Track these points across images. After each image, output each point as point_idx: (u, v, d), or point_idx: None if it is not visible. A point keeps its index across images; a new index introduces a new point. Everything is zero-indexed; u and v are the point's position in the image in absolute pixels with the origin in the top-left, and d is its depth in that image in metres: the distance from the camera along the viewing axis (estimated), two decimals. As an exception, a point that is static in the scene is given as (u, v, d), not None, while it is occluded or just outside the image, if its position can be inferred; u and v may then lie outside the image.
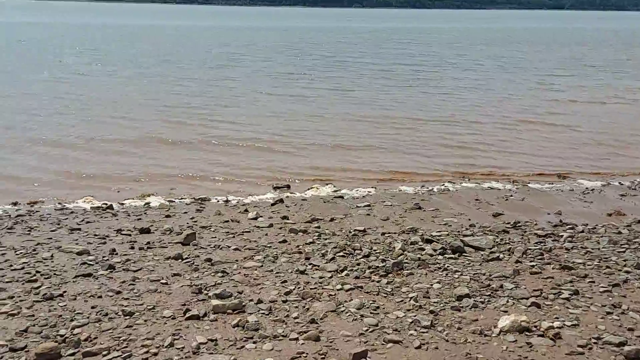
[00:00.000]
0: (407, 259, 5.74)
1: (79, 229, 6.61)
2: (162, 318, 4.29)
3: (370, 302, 4.67)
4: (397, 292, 4.92)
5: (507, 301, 4.75)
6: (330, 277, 5.21)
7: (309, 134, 12.57)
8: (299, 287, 4.95)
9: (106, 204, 7.75)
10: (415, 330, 4.19)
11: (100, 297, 4.66)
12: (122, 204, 7.89)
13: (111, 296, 4.68)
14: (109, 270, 5.24)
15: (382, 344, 3.96)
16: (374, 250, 6.02)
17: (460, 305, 4.64)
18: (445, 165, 10.67)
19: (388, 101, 17.08)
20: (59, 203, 7.84)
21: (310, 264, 5.54)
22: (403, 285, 5.07)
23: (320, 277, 5.20)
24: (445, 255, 5.91)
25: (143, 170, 9.68)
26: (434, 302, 4.70)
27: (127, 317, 4.29)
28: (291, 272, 5.35)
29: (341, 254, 5.86)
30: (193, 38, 29.30)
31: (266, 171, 9.96)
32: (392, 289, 4.97)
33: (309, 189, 8.98)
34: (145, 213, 7.46)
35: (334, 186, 9.22)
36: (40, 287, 4.83)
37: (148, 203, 7.92)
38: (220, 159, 10.51)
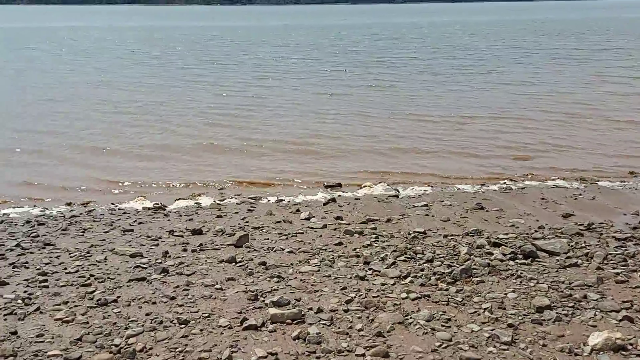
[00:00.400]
0: (475, 264, 5.30)
1: (132, 230, 6.52)
2: (219, 327, 4.06)
3: (440, 313, 4.28)
4: (468, 302, 4.51)
5: (595, 314, 4.25)
6: (394, 284, 4.85)
7: (354, 134, 12.15)
8: (361, 295, 4.61)
9: (158, 204, 7.66)
10: (495, 347, 3.78)
11: (154, 303, 4.49)
12: (174, 204, 7.79)
13: (165, 302, 4.50)
14: (162, 274, 5.08)
15: (459, 363, 3.58)
16: (438, 255, 5.61)
17: (542, 318, 4.19)
18: (504, 167, 10.04)
19: (432, 98, 16.43)
20: (112, 203, 7.82)
21: (370, 269, 5.20)
22: (474, 294, 4.65)
23: (383, 284, 4.85)
24: (517, 261, 5.44)
25: (192, 172, 9.57)
26: (512, 314, 4.26)
27: (183, 325, 4.08)
28: (350, 277, 5.02)
29: (402, 258, 5.49)
30: (233, 38, 29.38)
31: (314, 171, 9.65)
32: (462, 298, 4.56)
33: (361, 188, 8.63)
34: (196, 213, 7.31)
35: (387, 184, 8.83)
36: (94, 291, 4.71)
37: (199, 203, 7.78)
38: (267, 160, 10.29)
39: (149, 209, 7.54)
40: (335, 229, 6.55)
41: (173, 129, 12.46)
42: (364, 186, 8.66)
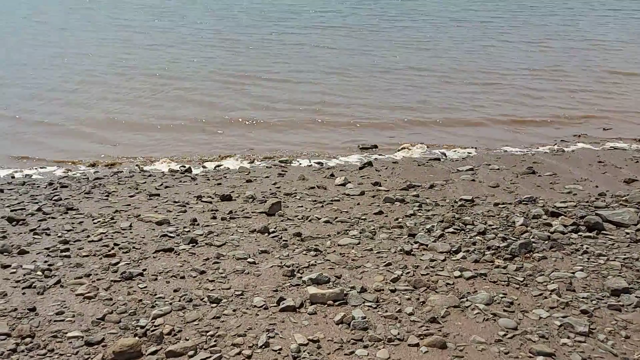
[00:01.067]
0: (533, 237, 4.76)
1: (158, 195, 6.15)
2: (253, 308, 3.67)
3: (501, 295, 3.79)
4: (531, 282, 3.99)
5: (682, 299, 3.70)
6: (444, 260, 4.36)
7: (379, 91, 11.41)
8: (408, 273, 4.15)
9: (184, 167, 7.27)
10: (569, 337, 3.28)
11: (182, 277, 4.11)
12: (203, 165, 7.39)
13: (194, 277, 4.12)
14: (191, 245, 4.70)
15: (530, 357, 3.10)
16: (490, 226, 5.08)
17: (619, 302, 3.66)
18: (550, 127, 9.28)
19: (463, 52, 15.36)
20: (137, 166, 7.46)
21: (416, 242, 4.71)
22: (536, 272, 4.13)
23: (432, 260, 4.37)
24: (580, 234, 4.87)
25: (216, 142, 9.11)
26: (583, 298, 3.74)
27: (214, 305, 3.70)
28: (394, 252, 4.55)
29: (450, 229, 4.98)
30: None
31: (346, 130, 9.08)
32: (523, 277, 4.05)
33: (399, 150, 8.06)
34: (225, 177, 6.90)
35: (427, 147, 8.23)
36: (118, 263, 4.36)
37: (227, 167, 7.35)
38: (293, 122, 9.72)
39: (175, 171, 7.15)
40: (374, 196, 6.06)
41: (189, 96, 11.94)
42: (402, 148, 8.08)
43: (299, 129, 9.10)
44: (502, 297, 3.75)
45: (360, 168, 7.19)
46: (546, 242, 4.68)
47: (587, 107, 10.19)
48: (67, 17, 22.13)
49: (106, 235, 4.94)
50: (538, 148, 8.03)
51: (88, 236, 4.92)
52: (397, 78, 12.27)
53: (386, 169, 7.18)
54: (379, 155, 7.87)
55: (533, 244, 4.58)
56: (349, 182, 6.56)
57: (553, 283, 3.95)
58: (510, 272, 4.13)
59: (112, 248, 4.66)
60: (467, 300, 3.71)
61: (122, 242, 4.76)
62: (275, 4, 25.66)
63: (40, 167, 7.34)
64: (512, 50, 15.61)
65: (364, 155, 7.88)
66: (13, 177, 6.91)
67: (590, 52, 15.39)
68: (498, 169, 7.05)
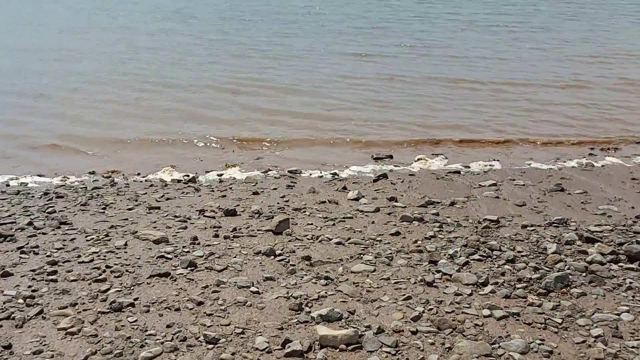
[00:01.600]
0: (569, 268, 4.28)
1: (158, 208, 5.74)
2: (254, 350, 3.23)
3: (538, 341, 3.31)
4: (571, 325, 3.51)
5: None
6: (470, 295, 3.89)
7: (395, 98, 10.91)
8: (430, 310, 3.68)
9: (188, 176, 6.86)
10: (622, 401, 2.81)
11: (177, 309, 3.68)
12: (205, 176, 6.98)
13: (191, 309, 3.69)
14: (189, 269, 4.27)
15: None
16: (519, 253, 4.60)
17: (677, 356, 3.17)
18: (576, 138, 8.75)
19: (481, 60, 14.81)
20: (138, 174, 7.07)
21: (437, 271, 4.25)
22: (576, 313, 3.65)
23: (457, 294, 3.90)
24: (621, 264, 4.37)
25: (225, 135, 8.69)
26: (633, 348, 3.26)
27: (211, 345, 3.27)
28: (414, 282, 4.09)
29: (476, 256, 4.50)
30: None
31: (358, 139, 8.61)
32: (562, 319, 3.57)
33: (415, 161, 7.59)
34: (230, 188, 6.48)
35: (445, 157, 7.76)
36: (108, 290, 3.94)
37: (233, 177, 6.93)
38: (305, 125, 9.29)
39: (178, 181, 6.75)
40: (389, 214, 5.60)
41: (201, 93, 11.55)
42: (419, 159, 7.61)
43: (309, 137, 8.66)
44: (539, 345, 3.28)
45: (375, 181, 6.73)
46: (584, 274, 4.19)
47: (613, 120, 9.64)
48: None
49: (98, 256, 4.53)
50: (565, 162, 7.51)
51: (79, 256, 4.52)
52: (407, 87, 11.75)
53: (402, 182, 6.71)
54: (395, 166, 7.40)
55: (570, 277, 4.09)
56: (363, 196, 6.11)
57: (597, 327, 3.46)
58: (546, 312, 3.66)
59: (104, 271, 4.25)
60: (499, 347, 3.24)
61: (115, 264, 4.35)
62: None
63: (38, 175, 6.97)
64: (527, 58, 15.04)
65: (379, 166, 7.42)
66: (8, 185, 6.55)
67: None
68: (523, 184, 6.55)
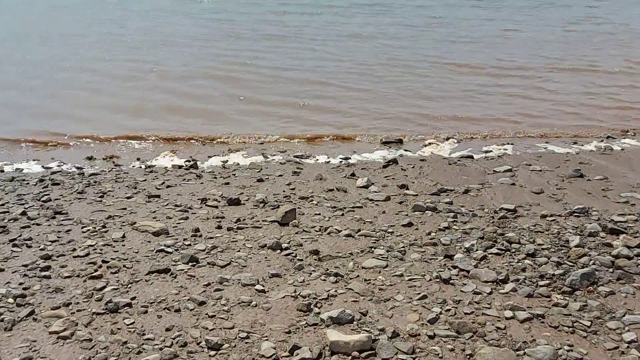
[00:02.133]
0: (594, 263, 4.01)
1: (158, 196, 5.48)
2: (261, 358, 2.99)
3: (566, 347, 3.06)
4: (600, 327, 3.26)
5: None
6: (490, 294, 3.64)
7: (398, 81, 10.54)
8: (448, 311, 3.44)
9: (189, 162, 6.59)
10: (663, 418, 2.56)
11: (178, 310, 3.45)
12: (207, 162, 6.70)
13: (192, 310, 3.45)
14: (190, 265, 4.03)
15: None
16: (540, 246, 4.33)
17: None
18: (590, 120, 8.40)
19: (496, 44, 14.34)
20: (138, 159, 6.80)
21: (454, 266, 3.99)
22: (605, 314, 3.40)
23: (475, 293, 3.65)
24: (650, 259, 4.10)
25: (229, 123, 8.41)
26: (670, 355, 3.01)
27: (213, 352, 3.04)
28: (429, 279, 3.84)
29: (494, 250, 4.24)
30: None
31: (366, 120, 8.30)
32: (591, 321, 3.31)
33: (425, 145, 7.28)
34: (233, 175, 6.21)
35: (457, 141, 7.44)
36: (104, 287, 3.71)
37: (237, 162, 6.65)
38: (308, 108, 8.98)
39: (179, 167, 6.48)
40: (401, 203, 5.32)
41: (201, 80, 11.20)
42: (430, 143, 7.30)
43: (317, 119, 8.35)
44: (567, 351, 3.03)
45: (384, 167, 6.45)
46: (611, 270, 3.93)
47: (627, 100, 9.27)
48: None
49: (94, 249, 4.29)
50: (583, 145, 7.20)
51: (74, 249, 4.28)
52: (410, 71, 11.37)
53: (413, 167, 6.42)
54: (405, 151, 7.10)
55: (596, 274, 3.83)
56: (372, 183, 5.83)
57: (629, 331, 3.21)
58: (573, 313, 3.40)
59: (100, 266, 4.01)
60: (525, 354, 3.00)
61: (112, 259, 4.11)
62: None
63: (33, 160, 6.71)
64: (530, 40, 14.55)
65: (388, 151, 7.12)
66: (2, 171, 6.30)
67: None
68: (540, 170, 6.25)
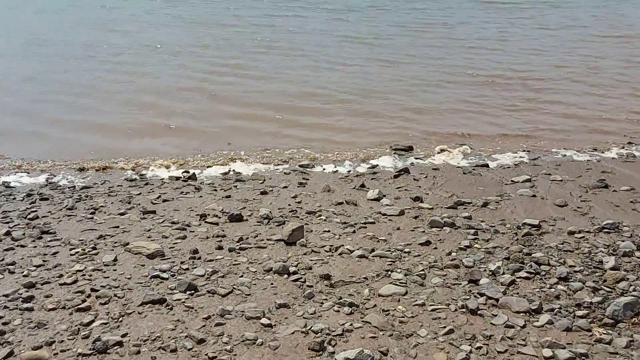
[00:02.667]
0: (635, 290, 3.63)
1: (154, 212, 5.09)
2: (269, 411, 2.61)
3: (618, 395, 2.69)
4: (653, 370, 2.88)
5: None
6: (524, 327, 3.26)
7: (407, 87, 10.16)
8: (479, 349, 3.05)
9: (187, 173, 6.20)
10: None
11: (174, 350, 3.06)
12: (206, 172, 6.30)
13: (190, 349, 3.07)
14: (188, 293, 3.64)
15: None
16: (572, 268, 3.95)
17: None
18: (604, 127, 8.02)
19: (508, 51, 13.97)
20: (133, 169, 6.41)
21: (480, 294, 3.61)
22: (656, 352, 3.02)
23: (507, 326, 3.27)
24: (695, 284, 3.72)
25: (226, 128, 8.00)
26: None
27: (214, 404, 2.65)
28: (455, 309, 3.46)
29: (522, 273, 3.86)
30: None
31: (374, 128, 7.90)
32: (641, 362, 2.94)
33: (438, 153, 6.90)
34: (235, 187, 5.81)
35: (470, 147, 7.06)
36: (92, 322, 3.32)
37: (239, 172, 6.26)
38: (313, 116, 8.58)
39: (176, 178, 6.08)
40: (416, 217, 4.94)
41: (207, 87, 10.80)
42: (442, 150, 6.92)
43: (320, 126, 7.96)
44: (621, 400, 2.65)
45: (395, 176, 6.06)
46: (654, 297, 3.55)
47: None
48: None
49: (83, 275, 3.90)
50: (603, 152, 6.82)
51: (60, 275, 3.89)
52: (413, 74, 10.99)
53: (426, 177, 6.04)
54: (416, 159, 6.71)
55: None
56: (384, 195, 5.45)
57: (687, 373, 2.83)
58: (620, 351, 3.02)
59: (88, 296, 3.62)
60: (572, 405, 2.61)
61: (102, 287, 3.72)
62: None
63: (24, 172, 6.31)
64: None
65: (398, 158, 6.73)
66: (-12, 185, 5.90)
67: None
68: (561, 180, 5.87)
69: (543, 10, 19.05)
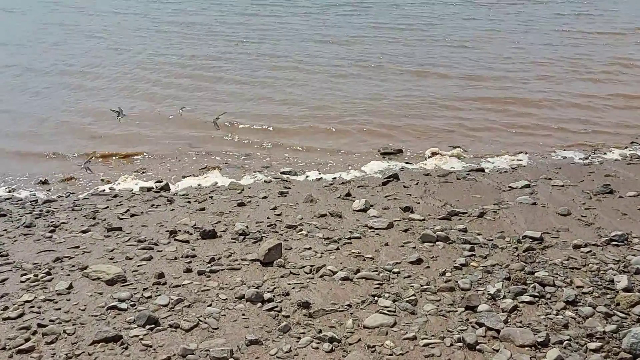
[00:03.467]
0: (653, 316, 3.23)
1: (119, 229, 4.64)
2: None
3: None
4: (683, 419, 2.47)
5: None
6: (530, 365, 2.85)
7: (400, 90, 9.70)
8: (480, 395, 2.64)
9: (160, 183, 5.74)
10: None
11: (124, 405, 2.62)
12: (181, 183, 5.86)
13: (143, 403, 2.63)
14: (147, 329, 3.20)
15: None
16: (579, 289, 3.55)
17: None
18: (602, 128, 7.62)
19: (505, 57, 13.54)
20: (102, 179, 5.95)
21: (479, 323, 3.19)
22: (684, 396, 2.61)
23: (511, 364, 2.85)
24: None
25: (204, 140, 7.48)
26: None
27: None
28: (450, 343, 3.03)
29: (525, 297, 3.44)
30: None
31: (360, 133, 7.45)
32: (668, 408, 2.53)
33: (429, 157, 6.47)
34: (210, 197, 5.37)
35: (463, 150, 6.64)
36: (33, 367, 2.88)
37: (215, 182, 5.81)
38: (299, 118, 8.12)
39: (148, 189, 5.63)
40: (406, 230, 4.52)
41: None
42: (433, 154, 6.50)
43: (305, 132, 7.50)
44: None
45: (384, 183, 5.63)
46: (675, 325, 3.14)
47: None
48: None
49: (31, 307, 3.45)
50: (605, 154, 6.42)
51: (5, 308, 3.43)
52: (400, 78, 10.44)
53: (417, 184, 5.62)
54: (406, 163, 6.28)
55: (659, 332, 3.04)
56: (371, 205, 5.03)
57: None
58: (642, 395, 2.61)
59: (34, 333, 3.18)
60: None
61: (50, 322, 3.27)
62: None
63: (-19, 184, 5.84)
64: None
65: (387, 164, 6.30)
66: (-59, 200, 5.42)
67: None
68: (562, 185, 5.47)
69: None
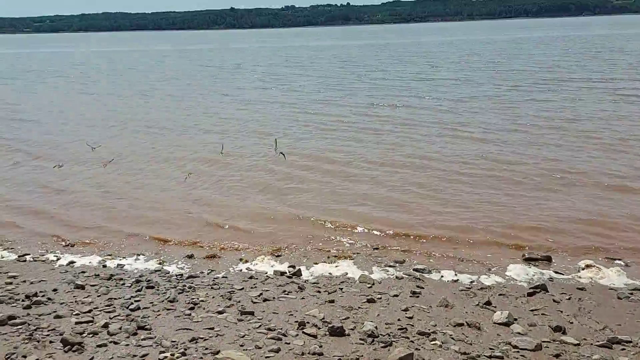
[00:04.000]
0: None
1: (252, 313, 4.71)
2: None
3: None
4: None
5: None
6: None
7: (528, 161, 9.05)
8: None
9: (292, 268, 5.83)
10: None
11: None
12: (312, 270, 5.88)
13: None
14: None
15: None
16: None
17: None
18: None
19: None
20: (240, 259, 6.19)
21: None
22: None
23: None
24: None
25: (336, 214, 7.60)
26: None
27: None
28: None
29: None
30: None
31: (498, 226, 6.95)
32: None
33: (583, 269, 5.74)
34: (340, 289, 5.29)
35: (625, 264, 5.82)
36: None
37: (345, 272, 5.73)
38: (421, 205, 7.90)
39: (281, 274, 5.73)
40: (557, 356, 3.96)
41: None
42: (588, 266, 5.77)
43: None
44: None
45: (530, 294, 5.09)
46: None
47: None
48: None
49: (164, 389, 3.56)
50: None
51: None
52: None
53: (569, 299, 4.98)
54: (555, 272, 5.65)
55: None
56: (515, 319, 4.53)
57: None
58: None
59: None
60: None
61: (180, 407, 3.32)
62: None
63: (138, 254, 6.42)
64: None
65: (532, 270, 5.72)
66: (104, 266, 6.03)
67: None
68: None
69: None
